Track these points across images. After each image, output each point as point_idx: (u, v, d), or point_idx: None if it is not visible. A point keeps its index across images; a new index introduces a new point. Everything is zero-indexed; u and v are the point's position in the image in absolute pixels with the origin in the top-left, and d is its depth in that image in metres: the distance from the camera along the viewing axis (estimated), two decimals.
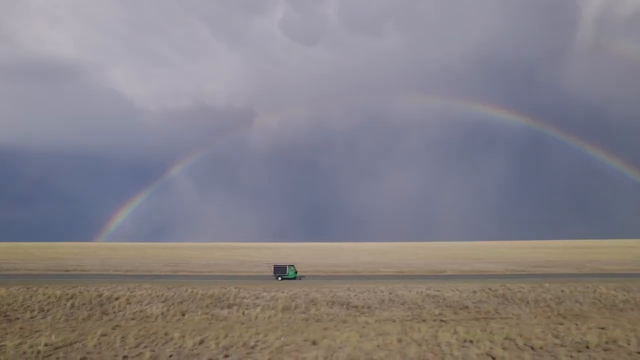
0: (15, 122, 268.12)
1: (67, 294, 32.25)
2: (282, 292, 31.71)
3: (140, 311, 28.34)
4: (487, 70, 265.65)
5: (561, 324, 24.75)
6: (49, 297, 31.54)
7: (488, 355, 17.68)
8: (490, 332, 21.70)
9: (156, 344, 19.60)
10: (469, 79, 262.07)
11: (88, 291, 33.25)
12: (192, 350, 18.45)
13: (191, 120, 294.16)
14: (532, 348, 18.81)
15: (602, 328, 23.32)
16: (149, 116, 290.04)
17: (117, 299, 31.03)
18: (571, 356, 17.84)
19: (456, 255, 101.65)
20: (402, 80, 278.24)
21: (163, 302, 30.45)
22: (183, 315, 27.32)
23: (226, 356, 17.58)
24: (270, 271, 47.86)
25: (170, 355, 17.69)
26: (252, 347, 18.78)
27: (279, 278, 43.92)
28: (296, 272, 45.58)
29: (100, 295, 31.91)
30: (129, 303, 30.15)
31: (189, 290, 33.04)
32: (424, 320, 25.59)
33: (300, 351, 18.00)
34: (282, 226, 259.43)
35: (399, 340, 19.95)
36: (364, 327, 23.45)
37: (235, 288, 33.54)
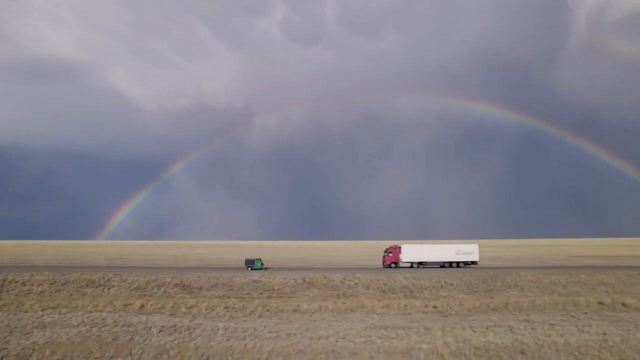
0: (15, 121, 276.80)
1: None
2: (144, 277, 41.85)
3: (28, 290, 38.40)
4: (483, 70, 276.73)
5: (323, 300, 35.05)
6: None
7: (242, 310, 27.97)
8: (254, 304, 31.93)
9: (8, 308, 29.68)
10: (466, 79, 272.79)
11: None
12: (27, 309, 28.58)
13: (191, 119, 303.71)
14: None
15: (344, 302, 33.59)
16: (149, 115, 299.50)
17: (16, 282, 40.95)
18: (275, 315, 28.14)
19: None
20: (400, 80, 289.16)
21: (51, 284, 40.46)
22: (57, 292, 37.45)
23: (44, 311, 27.70)
24: (242, 264, 58.64)
25: (8, 312, 27.81)
26: (67, 308, 28.92)
27: (249, 269, 54.32)
28: (262, 264, 56.17)
29: (4, 279, 41.78)
30: (24, 285, 40.13)
31: (77, 275, 43.04)
32: (228, 297, 35.80)
33: (95, 309, 28.21)
34: (281, 225, 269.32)
35: (176, 304, 30.17)
36: (177, 300, 33.56)
37: (113, 274, 43.61)
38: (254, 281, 41.57)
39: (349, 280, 42.70)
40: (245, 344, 18.62)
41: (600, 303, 33.95)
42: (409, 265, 57.37)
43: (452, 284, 42.28)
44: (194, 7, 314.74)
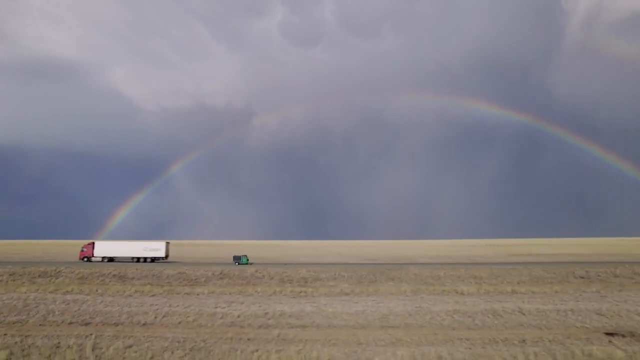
0: (15, 121, 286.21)
1: None
2: (89, 270, 50.99)
3: None
4: (483, 70, 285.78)
5: (223, 287, 44.17)
6: None
7: (147, 292, 37.13)
8: (163, 289, 41.07)
9: None
10: (466, 79, 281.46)
11: None
12: None
13: (191, 119, 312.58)
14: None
15: (238, 289, 42.68)
16: (149, 115, 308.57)
17: None
18: (167, 296, 37.26)
19: (360, 252, 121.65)
20: (400, 80, 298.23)
21: (10, 275, 49.61)
22: (12, 281, 46.62)
23: None
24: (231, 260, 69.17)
25: None
26: (10, 292, 38.06)
27: (237, 264, 64.34)
28: (248, 260, 66.50)
29: None
30: None
31: (34, 268, 52.19)
32: (151, 285, 44.93)
33: (29, 291, 37.36)
34: (281, 224, 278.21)
35: (99, 289, 39.30)
36: (107, 287, 42.66)
37: (64, 267, 52.79)
38: (180, 273, 50.72)
39: (259, 272, 51.86)
40: (112, 309, 27.79)
41: (444, 291, 43.11)
42: (100, 259, 67.10)
43: (344, 276, 51.39)
44: (194, 7, 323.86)
